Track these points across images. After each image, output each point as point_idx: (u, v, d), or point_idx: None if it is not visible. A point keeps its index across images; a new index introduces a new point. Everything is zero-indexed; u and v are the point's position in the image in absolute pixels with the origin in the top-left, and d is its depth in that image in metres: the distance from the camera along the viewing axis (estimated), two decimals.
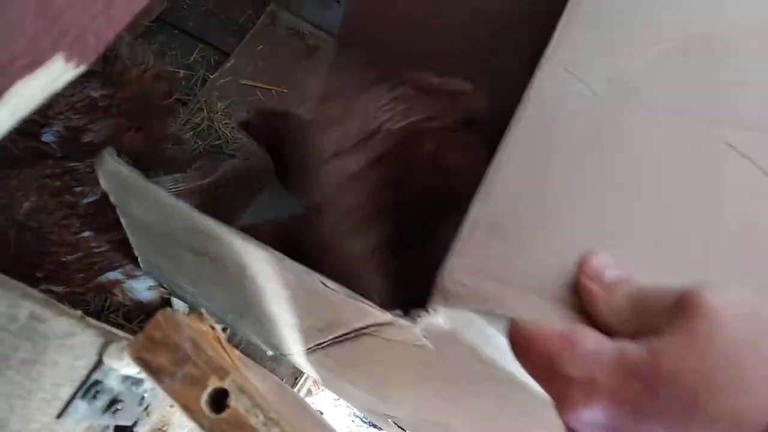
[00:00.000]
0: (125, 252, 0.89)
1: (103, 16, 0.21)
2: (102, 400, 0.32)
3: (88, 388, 0.31)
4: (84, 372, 0.31)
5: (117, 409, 0.33)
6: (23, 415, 0.28)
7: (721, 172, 0.38)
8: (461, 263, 0.36)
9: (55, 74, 0.20)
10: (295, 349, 0.53)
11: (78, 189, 0.98)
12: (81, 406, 0.31)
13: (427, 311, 0.36)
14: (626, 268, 0.33)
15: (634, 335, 0.28)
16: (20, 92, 0.20)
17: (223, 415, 0.29)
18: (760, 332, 0.25)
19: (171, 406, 0.41)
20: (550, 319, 0.32)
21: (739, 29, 0.45)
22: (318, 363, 0.54)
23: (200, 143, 1.30)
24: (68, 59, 0.21)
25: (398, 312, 0.38)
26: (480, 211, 0.38)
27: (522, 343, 0.31)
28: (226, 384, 0.30)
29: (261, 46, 1.41)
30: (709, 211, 0.36)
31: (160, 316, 0.31)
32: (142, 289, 1.00)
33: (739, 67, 0.43)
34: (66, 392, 0.30)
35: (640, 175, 0.38)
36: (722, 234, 0.36)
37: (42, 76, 0.20)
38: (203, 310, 0.33)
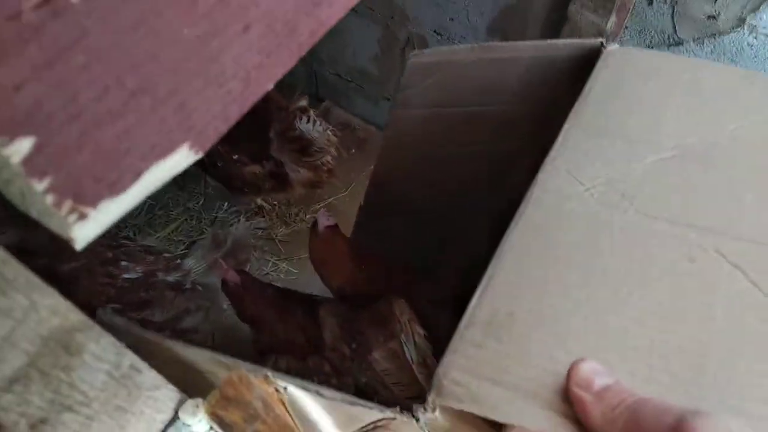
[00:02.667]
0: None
1: (221, 116, 0.26)
2: None
3: None
4: (161, 426, 0.33)
5: None
6: None
7: (713, 282, 0.38)
8: (457, 361, 0.36)
9: (180, 160, 0.25)
10: None
11: (124, 263, 1.06)
12: None
13: (424, 408, 0.36)
14: (616, 375, 0.33)
15: None
16: (153, 173, 0.24)
17: None
18: None
19: None
20: (542, 427, 0.33)
21: (738, 141, 0.46)
22: None
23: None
24: (191, 148, 0.25)
25: (396, 409, 0.38)
26: (477, 308, 0.38)
27: None
28: None
29: None
30: (700, 322, 0.37)
31: (234, 375, 0.34)
32: None
33: (735, 178, 0.44)
34: None
35: (634, 280, 0.39)
36: (713, 346, 0.36)
37: (170, 161, 0.24)
38: (268, 373, 0.36)
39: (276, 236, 1.35)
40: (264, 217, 1.35)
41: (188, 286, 1.11)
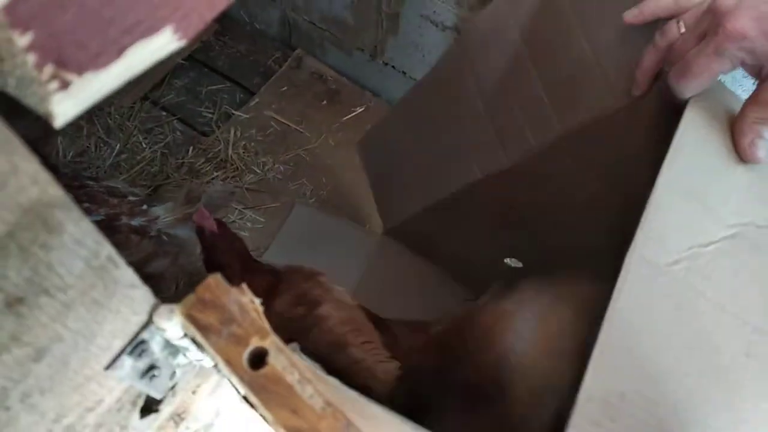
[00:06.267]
0: None
1: (207, 0, 0.25)
2: (143, 363, 0.34)
3: (136, 345, 0.33)
4: (135, 328, 0.33)
5: (154, 376, 0.35)
6: (83, 357, 0.30)
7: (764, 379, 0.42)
8: None
9: (163, 43, 0.24)
10: None
11: (86, 205, 1.03)
12: (127, 362, 0.33)
13: None
14: None
15: None
16: (136, 53, 0.23)
17: (262, 371, 0.32)
18: None
19: (193, 392, 0.43)
20: None
21: None
22: None
23: (218, 174, 1.36)
24: (175, 32, 0.24)
25: None
26: (592, 382, 0.42)
27: None
28: (266, 344, 0.32)
29: (285, 87, 1.48)
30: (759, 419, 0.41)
31: (211, 279, 0.34)
32: None
33: None
34: (118, 345, 0.32)
35: (707, 371, 0.43)
36: None
37: (154, 42, 0.24)
38: (244, 285, 0.36)
39: (243, 185, 1.34)
40: (233, 165, 1.33)
41: (153, 233, 1.09)
